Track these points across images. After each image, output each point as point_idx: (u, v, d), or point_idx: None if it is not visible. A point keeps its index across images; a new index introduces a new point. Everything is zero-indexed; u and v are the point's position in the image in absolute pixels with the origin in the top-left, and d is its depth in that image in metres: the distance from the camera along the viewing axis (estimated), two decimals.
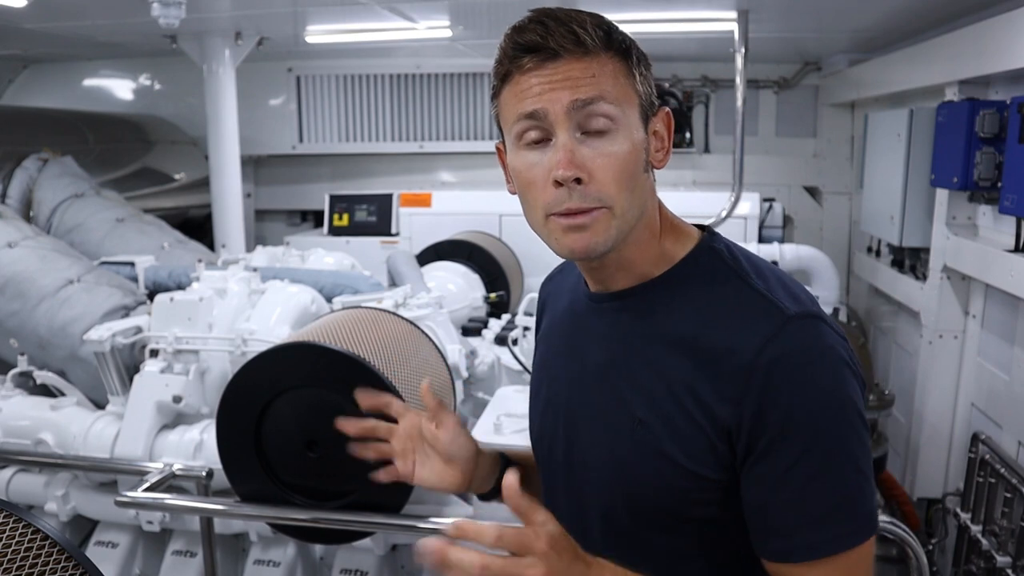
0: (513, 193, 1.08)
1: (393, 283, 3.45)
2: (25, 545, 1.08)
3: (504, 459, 1.30)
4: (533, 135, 0.99)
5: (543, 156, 0.99)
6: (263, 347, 2.46)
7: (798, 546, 0.96)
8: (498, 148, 1.11)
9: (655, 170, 1.07)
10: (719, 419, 0.97)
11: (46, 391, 3.04)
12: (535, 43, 0.97)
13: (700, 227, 1.13)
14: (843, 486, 0.95)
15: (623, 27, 1.03)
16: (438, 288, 3.40)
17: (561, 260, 1.31)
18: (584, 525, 1.11)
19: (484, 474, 1.25)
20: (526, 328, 2.89)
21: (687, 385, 1.00)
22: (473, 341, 3.24)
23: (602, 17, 1.01)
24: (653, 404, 1.02)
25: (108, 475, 2.80)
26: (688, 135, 5.39)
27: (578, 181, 0.97)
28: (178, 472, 2.51)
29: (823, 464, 0.94)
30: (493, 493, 1.27)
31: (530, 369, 2.80)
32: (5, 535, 1.08)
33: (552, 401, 1.19)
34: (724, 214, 4.19)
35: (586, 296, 1.15)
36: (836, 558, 0.95)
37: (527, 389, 2.77)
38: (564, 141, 0.97)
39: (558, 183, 0.97)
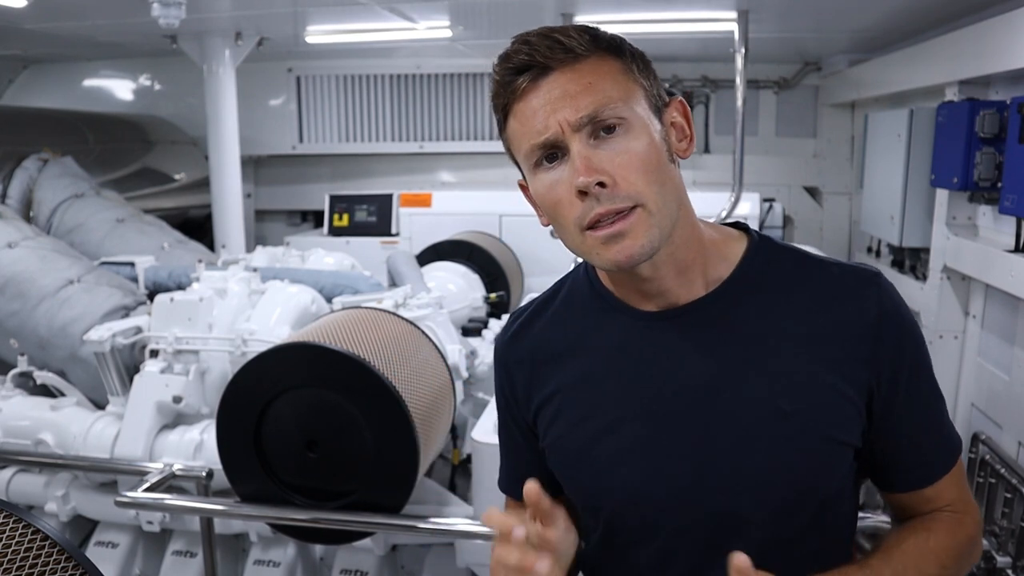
0: (547, 225, 1.05)
1: (393, 283, 3.45)
2: (25, 545, 1.08)
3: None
4: (548, 154, 0.98)
5: (562, 172, 0.97)
6: (263, 347, 2.46)
7: (939, 463, 1.09)
8: (521, 186, 1.09)
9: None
10: (861, 381, 1.03)
11: (46, 391, 3.04)
12: (523, 63, 0.97)
13: (732, 225, 1.15)
14: (943, 404, 1.12)
15: (623, 28, 1.04)
16: (438, 288, 3.40)
17: (507, 324, 1.24)
18: (713, 548, 1.04)
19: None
20: None
21: (825, 362, 1.03)
22: (473, 341, 3.24)
23: (585, 25, 1.00)
24: (797, 392, 1.02)
25: (108, 475, 2.80)
26: None
27: (602, 185, 0.95)
28: (178, 472, 2.51)
29: (935, 386, 1.10)
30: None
31: None
32: (5, 535, 1.08)
33: (638, 441, 1.07)
34: (724, 214, 4.18)
35: (642, 319, 1.08)
36: (958, 461, 1.11)
37: None
38: (578, 150, 0.95)
39: (582, 192, 0.95)
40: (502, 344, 1.23)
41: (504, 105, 1.00)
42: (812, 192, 5.46)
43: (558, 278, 1.24)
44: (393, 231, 5.16)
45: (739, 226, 1.13)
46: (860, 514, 1.23)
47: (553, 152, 0.98)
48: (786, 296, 1.06)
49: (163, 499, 2.44)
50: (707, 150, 5.49)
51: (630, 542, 1.13)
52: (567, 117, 0.95)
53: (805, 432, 1.02)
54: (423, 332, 2.58)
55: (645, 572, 1.13)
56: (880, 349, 1.03)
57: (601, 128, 0.96)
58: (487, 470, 2.33)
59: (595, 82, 0.96)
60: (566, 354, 1.14)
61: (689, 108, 1.06)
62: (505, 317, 3.76)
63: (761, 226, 4.86)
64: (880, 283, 1.06)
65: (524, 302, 1.28)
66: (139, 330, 2.89)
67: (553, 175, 0.98)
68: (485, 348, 3.22)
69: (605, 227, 0.96)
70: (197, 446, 2.70)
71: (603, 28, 1.02)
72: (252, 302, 2.97)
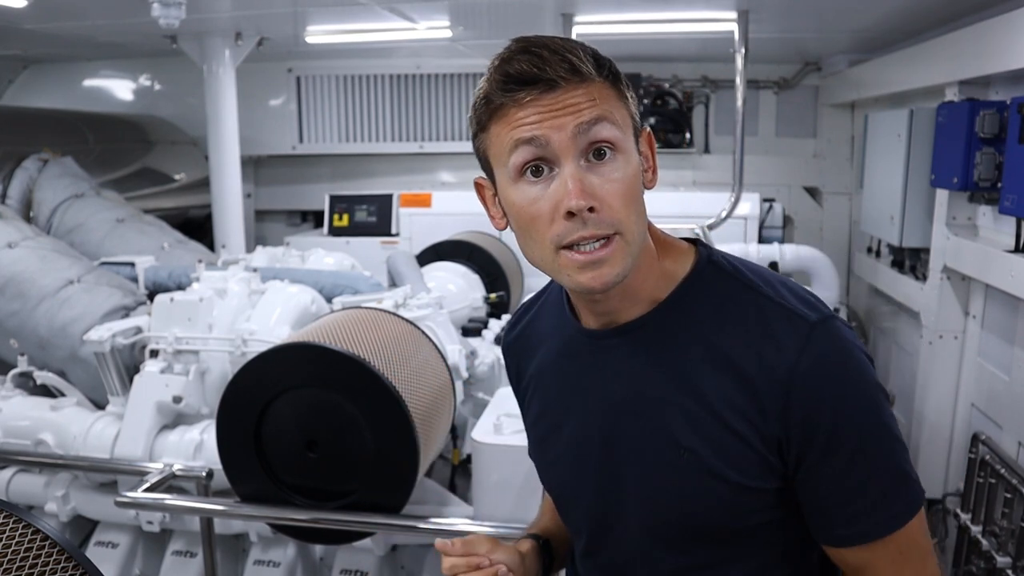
0: (501, 229, 1.06)
1: (393, 283, 3.45)
2: (25, 545, 1.08)
3: (539, 539, 1.29)
4: (533, 166, 0.96)
5: (546, 188, 0.96)
6: (263, 347, 2.46)
7: (868, 529, 1.01)
8: (478, 184, 1.08)
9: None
10: (766, 433, 0.99)
11: (46, 391, 3.04)
12: (531, 75, 0.93)
13: (688, 240, 1.13)
14: (894, 464, 1.01)
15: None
16: (438, 288, 3.40)
17: (518, 310, 1.31)
18: (628, 559, 1.13)
19: (533, 569, 1.25)
20: None
21: (728, 403, 1.00)
22: (473, 341, 3.24)
23: (585, 44, 0.99)
24: (697, 428, 1.02)
25: (108, 475, 2.80)
26: (688, 135, 5.39)
27: (591, 210, 0.94)
28: (178, 472, 2.51)
29: (876, 452, 1.00)
30: None
31: None
32: (5, 535, 1.08)
33: (570, 447, 1.15)
34: (724, 214, 4.18)
35: (583, 334, 1.12)
36: (903, 528, 1.01)
37: None
38: (572, 171, 0.95)
39: (571, 214, 0.94)
40: (505, 333, 1.33)
41: (497, 107, 0.97)
42: (812, 192, 5.46)
43: None
44: (393, 231, 5.16)
45: (692, 241, 1.12)
46: None
47: (539, 166, 0.96)
48: (713, 328, 1.03)
49: (163, 499, 2.44)
50: (707, 150, 5.49)
51: (568, 528, 1.25)
52: (566, 124, 0.94)
53: (695, 469, 1.02)
54: (423, 332, 2.58)
55: (576, 558, 1.25)
56: (792, 405, 0.98)
57: (593, 151, 0.96)
58: (487, 470, 2.33)
59: (599, 101, 0.96)
60: (538, 348, 1.22)
61: (655, 140, 1.07)
62: (505, 317, 3.77)
63: (761, 226, 4.85)
64: (814, 333, 0.99)
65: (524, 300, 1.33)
66: (139, 330, 2.89)
67: (536, 190, 0.97)
68: (485, 348, 3.22)
69: (584, 253, 0.96)
70: (197, 446, 2.70)
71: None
72: (252, 302, 2.97)
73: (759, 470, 1.01)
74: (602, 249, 0.96)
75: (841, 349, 0.99)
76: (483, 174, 1.06)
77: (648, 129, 1.06)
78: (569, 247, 0.97)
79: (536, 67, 0.93)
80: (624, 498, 1.10)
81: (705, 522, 1.05)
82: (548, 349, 1.20)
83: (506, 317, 3.74)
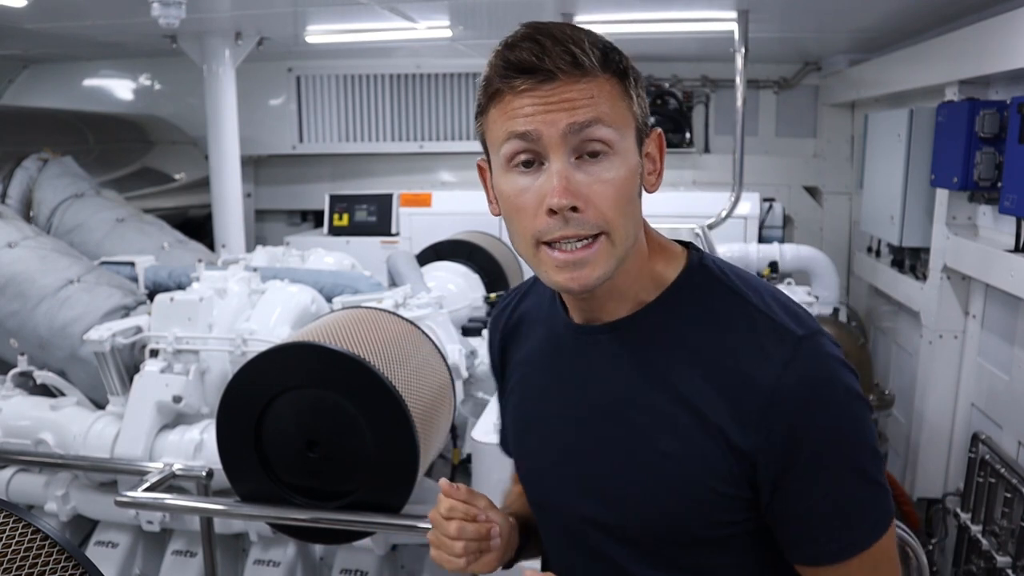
0: (496, 215, 1.03)
1: (393, 283, 3.45)
2: (25, 545, 1.08)
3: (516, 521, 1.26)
4: (523, 158, 0.94)
5: (534, 181, 0.94)
6: (263, 347, 2.45)
7: (836, 548, 0.98)
8: (480, 166, 1.05)
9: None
10: (742, 445, 0.96)
11: (46, 391, 3.04)
12: (530, 64, 0.91)
13: (681, 243, 1.10)
14: (872, 476, 0.98)
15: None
16: (438, 288, 3.39)
17: (510, 293, 1.29)
18: (602, 565, 1.10)
19: (513, 542, 1.23)
20: None
21: (708, 409, 0.98)
22: (473, 341, 3.23)
23: (597, 35, 0.96)
24: (676, 432, 0.99)
25: (108, 475, 2.80)
26: (688, 135, 5.39)
27: (574, 209, 0.92)
28: (178, 472, 2.50)
29: (860, 467, 0.97)
30: (515, 559, 1.27)
31: None
32: (5, 535, 1.08)
33: (548, 441, 1.13)
34: (724, 214, 4.19)
35: (570, 328, 1.09)
36: (871, 548, 0.99)
37: None
38: (559, 167, 0.92)
39: (552, 211, 0.92)
40: (496, 312, 1.31)
41: (495, 91, 0.94)
42: (812, 192, 5.46)
43: None
44: (393, 231, 5.16)
45: (685, 244, 1.10)
46: None
47: (531, 158, 0.94)
48: (699, 333, 1.00)
49: (163, 499, 2.44)
50: (707, 150, 5.49)
51: (540, 523, 1.22)
52: (559, 120, 0.91)
53: (676, 473, 1.00)
54: (423, 332, 2.58)
55: (547, 554, 1.23)
56: (774, 420, 0.95)
57: (587, 151, 0.93)
58: (487, 470, 2.33)
59: (597, 98, 0.92)
60: (527, 334, 1.20)
61: (665, 141, 1.04)
62: None
63: (761, 226, 4.86)
64: (800, 347, 0.96)
65: None
66: (139, 330, 2.88)
67: (524, 181, 0.95)
68: (485, 348, 3.21)
69: (565, 252, 0.94)
70: (197, 446, 2.70)
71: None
72: (252, 302, 2.97)
73: (734, 477, 0.98)
74: (584, 250, 0.94)
75: (828, 366, 0.96)
76: (484, 157, 1.04)
77: (659, 130, 1.03)
78: (549, 244, 0.95)
79: (536, 56, 0.90)
80: (601, 502, 1.07)
81: (680, 529, 1.02)
82: (536, 338, 1.17)
83: None
